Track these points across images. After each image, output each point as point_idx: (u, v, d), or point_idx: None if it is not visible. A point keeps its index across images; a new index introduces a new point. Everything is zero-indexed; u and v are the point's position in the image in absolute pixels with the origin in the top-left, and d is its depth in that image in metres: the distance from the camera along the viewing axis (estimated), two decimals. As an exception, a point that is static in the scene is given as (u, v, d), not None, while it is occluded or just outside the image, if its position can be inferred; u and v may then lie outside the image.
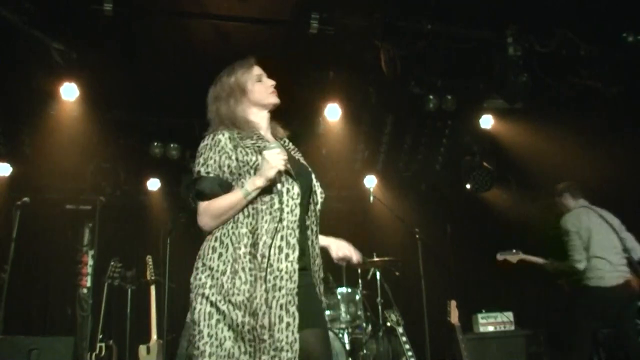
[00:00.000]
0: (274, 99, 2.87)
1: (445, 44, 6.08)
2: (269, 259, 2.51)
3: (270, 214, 2.57)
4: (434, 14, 5.80)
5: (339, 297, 6.54)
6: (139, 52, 6.04)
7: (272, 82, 2.89)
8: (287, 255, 2.53)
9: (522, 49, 5.95)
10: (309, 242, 2.75)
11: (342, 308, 6.51)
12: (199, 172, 2.67)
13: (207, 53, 6.05)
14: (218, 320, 2.52)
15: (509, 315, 6.32)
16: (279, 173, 2.58)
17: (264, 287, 2.49)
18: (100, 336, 6.26)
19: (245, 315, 2.49)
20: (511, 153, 7.64)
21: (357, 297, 6.60)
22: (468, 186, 8.11)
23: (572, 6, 5.63)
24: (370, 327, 6.62)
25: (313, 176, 2.83)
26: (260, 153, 2.63)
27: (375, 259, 6.61)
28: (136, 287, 6.71)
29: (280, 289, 2.49)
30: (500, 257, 5.81)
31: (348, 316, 6.49)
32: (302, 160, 2.91)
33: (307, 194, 2.77)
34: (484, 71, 6.54)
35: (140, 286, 6.65)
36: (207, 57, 6.07)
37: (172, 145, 7.67)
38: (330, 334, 6.00)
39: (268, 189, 2.60)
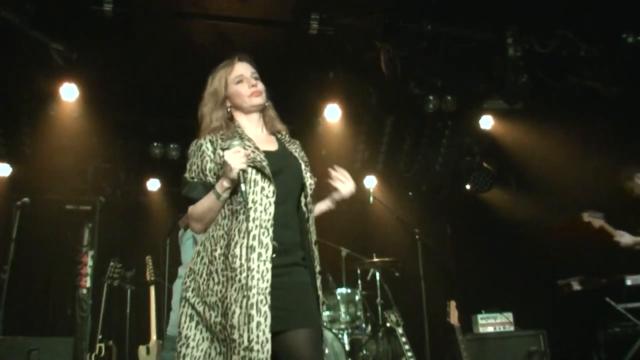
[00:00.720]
0: (254, 101, 2.80)
1: (445, 45, 6.07)
2: (240, 259, 2.49)
3: (243, 213, 2.55)
4: (434, 14, 5.79)
5: (339, 297, 6.53)
6: (139, 52, 6.04)
7: (252, 83, 2.80)
8: (259, 255, 2.49)
9: (522, 49, 5.94)
10: (308, 237, 2.73)
11: (342, 309, 6.51)
12: (185, 177, 2.71)
13: (207, 54, 6.04)
14: (198, 322, 2.56)
15: (509, 315, 6.31)
16: (243, 172, 2.54)
17: (234, 286, 2.48)
18: (100, 336, 6.27)
19: (218, 315, 2.51)
20: (511, 154, 7.64)
21: (357, 297, 6.59)
22: (468, 187, 8.12)
23: (573, 7, 5.63)
24: (369, 328, 6.62)
25: (303, 167, 2.79)
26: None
27: (375, 259, 6.61)
28: (136, 287, 6.72)
29: (251, 288, 2.45)
30: (587, 217, 5.46)
31: (348, 317, 6.49)
32: (295, 152, 2.85)
33: (296, 189, 2.74)
34: (484, 72, 6.54)
35: (140, 287, 6.66)
36: (207, 58, 6.03)
37: (172, 145, 7.67)
38: (330, 334, 6.01)
39: (237, 190, 2.58)
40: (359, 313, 6.54)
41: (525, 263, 7.23)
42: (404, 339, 5.57)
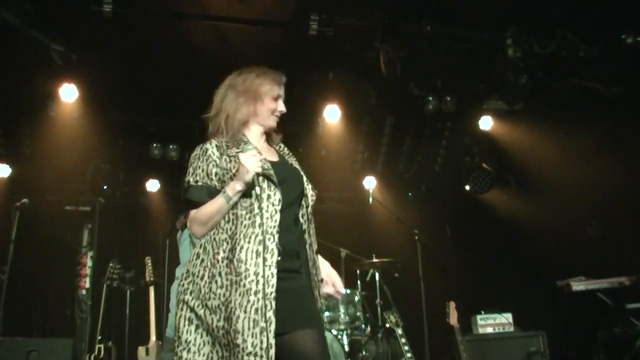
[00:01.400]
0: (270, 122, 2.85)
1: (445, 45, 6.07)
2: (245, 263, 2.50)
3: (249, 218, 2.58)
4: (434, 15, 5.79)
5: (338, 298, 6.53)
6: (138, 53, 6.04)
7: (281, 108, 2.85)
8: (264, 260, 2.51)
9: (521, 50, 5.94)
10: (306, 246, 2.77)
11: (341, 309, 6.50)
12: (188, 181, 2.71)
13: (206, 54, 6.05)
14: (197, 326, 2.55)
15: (508, 316, 6.30)
16: (257, 176, 2.58)
17: (239, 291, 2.48)
18: (99, 337, 6.26)
19: (220, 319, 2.49)
20: (511, 154, 7.64)
21: (357, 298, 6.59)
22: (467, 187, 8.11)
23: (572, 7, 5.63)
24: (369, 329, 6.61)
25: (304, 179, 2.82)
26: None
27: (375, 260, 6.61)
28: (135, 288, 6.71)
29: (256, 293, 2.47)
30: None
31: (347, 317, 6.49)
32: (295, 164, 2.90)
33: (297, 199, 2.78)
34: (484, 72, 6.54)
35: (140, 287, 6.65)
36: (207, 59, 6.09)
37: (171, 146, 7.67)
38: (330, 335, 6.01)
39: (248, 194, 2.60)
40: (358, 314, 6.54)
41: (524, 264, 7.23)
42: (403, 340, 5.57)
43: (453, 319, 5.61)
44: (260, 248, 2.52)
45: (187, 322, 2.55)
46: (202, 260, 2.61)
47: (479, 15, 5.80)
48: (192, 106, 6.97)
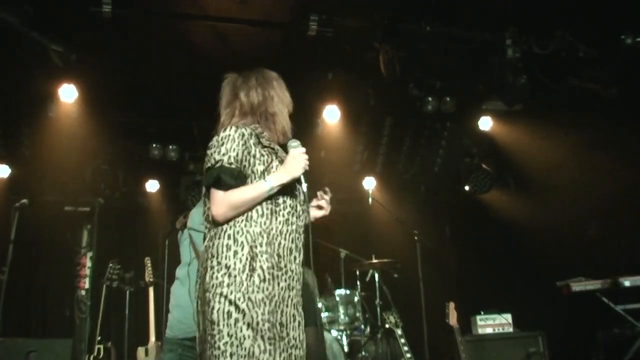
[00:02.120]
0: (282, 139, 2.90)
1: (444, 46, 6.08)
2: (284, 259, 2.61)
3: (284, 216, 2.65)
4: (433, 15, 5.80)
5: (338, 298, 6.52)
6: (138, 53, 6.04)
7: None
8: (295, 257, 2.65)
9: (521, 50, 5.94)
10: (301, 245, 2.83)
11: (341, 310, 6.50)
12: (220, 160, 2.64)
13: (206, 55, 6.05)
14: (237, 319, 2.49)
15: (508, 317, 6.31)
16: (302, 175, 2.66)
17: (281, 285, 2.57)
18: (99, 338, 6.25)
19: (265, 312, 2.50)
20: (510, 155, 7.65)
21: (356, 298, 6.58)
22: (467, 188, 8.12)
23: (571, 8, 5.63)
24: (368, 329, 6.61)
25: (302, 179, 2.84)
26: (276, 155, 2.71)
27: (374, 260, 6.61)
28: (135, 289, 6.69)
29: (292, 288, 2.60)
30: None
31: (347, 318, 6.48)
32: None
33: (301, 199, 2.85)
34: (483, 73, 6.54)
35: (139, 288, 6.64)
36: (206, 59, 6.09)
37: (171, 146, 7.66)
38: (329, 335, 6.01)
39: (282, 191, 2.66)
40: (357, 314, 6.53)
41: (524, 264, 7.24)
42: (402, 340, 5.57)
43: (452, 319, 5.61)
44: (293, 246, 2.65)
45: (226, 316, 2.50)
46: (236, 253, 2.57)
47: (479, 15, 5.81)
48: (192, 107, 7.03)
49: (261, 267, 2.55)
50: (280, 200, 2.65)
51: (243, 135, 2.67)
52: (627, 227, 6.31)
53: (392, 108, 7.64)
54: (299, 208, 2.69)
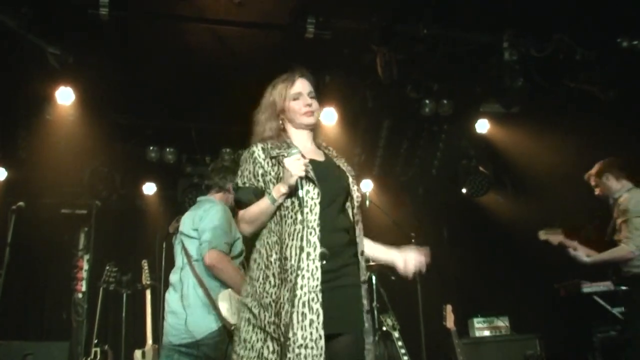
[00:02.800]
0: (305, 120, 2.91)
1: (441, 49, 6.08)
2: (290, 260, 2.59)
3: (291, 217, 2.66)
4: (431, 18, 5.80)
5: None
6: (135, 56, 6.03)
7: (308, 102, 2.90)
8: (308, 254, 2.59)
9: (518, 53, 5.95)
10: (353, 246, 2.83)
11: (339, 312, 6.48)
12: (236, 183, 2.85)
13: (203, 57, 6.05)
14: (253, 325, 2.63)
15: (505, 319, 6.32)
16: (301, 179, 2.64)
17: (287, 287, 2.57)
18: (96, 341, 6.25)
19: (271, 315, 2.58)
20: (507, 157, 7.65)
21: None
22: (464, 190, 8.12)
23: (569, 11, 5.64)
24: (366, 332, 6.59)
25: (350, 180, 2.88)
26: (280, 163, 2.73)
27: (372, 263, 6.58)
28: (132, 291, 6.68)
29: (302, 287, 2.55)
30: (542, 236, 5.33)
31: (344, 321, 6.46)
32: (343, 165, 2.95)
33: (340, 198, 2.84)
34: (481, 75, 6.55)
35: (136, 291, 6.62)
36: (204, 62, 6.09)
37: (168, 149, 7.65)
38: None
39: (290, 195, 2.68)
40: (355, 317, 6.51)
41: (521, 267, 7.24)
42: (400, 343, 5.57)
43: (450, 322, 5.62)
44: (304, 243, 2.60)
45: (246, 323, 2.65)
46: (259, 264, 2.71)
47: (476, 18, 5.81)
48: (190, 109, 7.02)
49: (273, 274, 2.64)
50: (289, 203, 2.68)
51: (253, 153, 2.81)
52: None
53: (389, 110, 7.64)
54: (310, 202, 2.65)
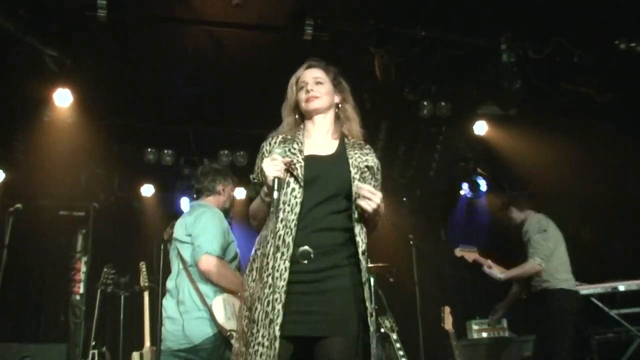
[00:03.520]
0: (308, 106, 2.91)
1: (439, 51, 6.09)
2: (267, 257, 2.59)
3: (277, 215, 2.64)
4: (429, 20, 5.81)
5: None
6: (133, 58, 6.03)
7: (309, 88, 2.91)
8: (282, 254, 2.58)
9: (516, 55, 5.96)
10: (350, 244, 2.70)
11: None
12: (251, 177, 2.90)
13: (201, 59, 6.05)
14: (244, 317, 2.66)
15: (503, 321, 6.31)
16: (278, 179, 2.59)
17: (259, 284, 2.59)
18: (94, 343, 6.23)
19: (246, 309, 2.63)
20: (505, 159, 7.65)
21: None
22: (462, 192, 8.12)
23: (566, 13, 5.65)
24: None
25: (353, 175, 2.75)
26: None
27: (369, 265, 6.59)
28: (130, 293, 6.67)
29: (270, 286, 2.55)
30: (458, 253, 5.83)
31: (342, 323, 6.46)
32: (354, 159, 2.83)
33: (337, 196, 2.72)
34: (478, 78, 6.55)
35: (134, 293, 6.61)
36: (202, 64, 6.09)
37: (166, 151, 7.66)
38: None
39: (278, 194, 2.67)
40: (353, 319, 6.51)
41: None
42: (398, 345, 5.56)
43: (448, 324, 5.62)
44: (280, 242, 2.59)
45: (243, 316, 2.68)
46: (252, 255, 2.76)
47: (474, 20, 5.82)
48: (187, 111, 7.02)
49: (257, 267, 2.66)
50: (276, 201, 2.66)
51: (262, 148, 2.86)
52: (621, 232, 6.33)
53: (387, 112, 7.64)
54: (292, 201, 2.63)
